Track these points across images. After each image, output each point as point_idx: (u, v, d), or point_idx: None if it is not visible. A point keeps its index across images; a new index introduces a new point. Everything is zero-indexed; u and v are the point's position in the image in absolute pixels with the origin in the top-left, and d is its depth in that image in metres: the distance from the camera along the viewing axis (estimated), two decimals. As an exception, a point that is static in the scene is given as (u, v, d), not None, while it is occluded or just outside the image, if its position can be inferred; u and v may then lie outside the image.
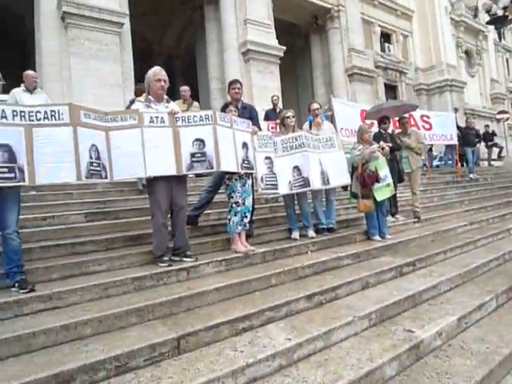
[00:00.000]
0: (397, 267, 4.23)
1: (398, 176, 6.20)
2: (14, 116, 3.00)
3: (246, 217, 4.19)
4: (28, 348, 2.39)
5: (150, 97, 3.83)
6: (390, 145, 5.65)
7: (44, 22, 9.10)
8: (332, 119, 8.50)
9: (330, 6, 16.18)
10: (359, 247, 4.77)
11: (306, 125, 5.85)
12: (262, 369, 2.42)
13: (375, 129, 6.86)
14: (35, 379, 2.06)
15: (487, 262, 4.71)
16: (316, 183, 4.72)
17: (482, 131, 14.16)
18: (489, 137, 14.45)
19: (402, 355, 2.67)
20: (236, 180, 4.11)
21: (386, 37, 19.27)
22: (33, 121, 3.08)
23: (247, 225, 4.23)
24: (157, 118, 3.64)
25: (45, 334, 2.46)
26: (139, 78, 8.64)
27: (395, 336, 2.90)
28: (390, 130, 6.69)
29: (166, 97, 3.92)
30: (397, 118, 7.73)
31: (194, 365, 2.36)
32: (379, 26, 18.70)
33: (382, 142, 5.41)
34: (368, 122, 8.37)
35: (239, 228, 4.10)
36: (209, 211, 5.02)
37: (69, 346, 2.44)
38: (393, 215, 6.35)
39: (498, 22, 10.41)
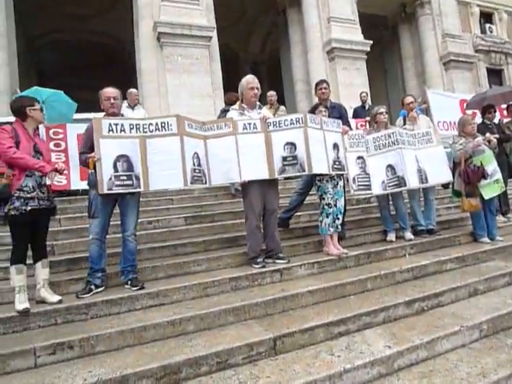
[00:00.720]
0: (511, 273, 3.80)
1: (509, 170, 5.64)
2: (130, 129, 3.35)
3: (338, 218, 4.11)
4: (140, 340, 2.65)
5: (243, 104, 3.98)
6: (498, 136, 5.12)
7: (142, 44, 10.01)
8: (427, 112, 7.94)
9: (419, -8, 15.12)
10: (464, 250, 4.37)
11: (400, 120, 5.58)
12: (361, 376, 2.37)
13: (478, 120, 6.24)
14: (147, 369, 2.28)
15: None
16: (412, 182, 4.45)
17: None
18: None
19: (522, 372, 2.38)
20: (327, 181, 4.06)
21: (486, 17, 17.28)
22: (146, 132, 3.41)
23: (339, 227, 4.16)
24: (250, 124, 3.79)
25: (154, 329, 2.70)
26: (228, 86, 9.09)
27: (512, 350, 2.60)
28: (496, 120, 6.07)
29: (258, 103, 4.04)
30: (504, 106, 7.00)
31: (290, 366, 2.39)
32: (477, 5, 16.86)
33: (488, 134, 4.90)
34: (469, 112, 7.64)
35: (331, 230, 4.04)
36: (299, 213, 5.04)
37: (175, 341, 2.64)
38: (504, 214, 5.74)
39: None
